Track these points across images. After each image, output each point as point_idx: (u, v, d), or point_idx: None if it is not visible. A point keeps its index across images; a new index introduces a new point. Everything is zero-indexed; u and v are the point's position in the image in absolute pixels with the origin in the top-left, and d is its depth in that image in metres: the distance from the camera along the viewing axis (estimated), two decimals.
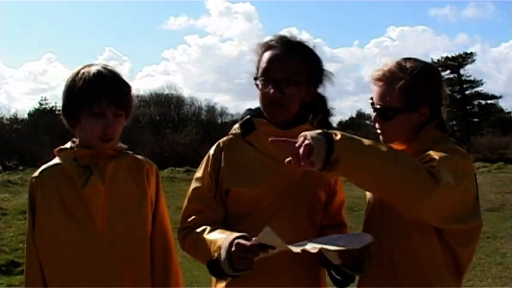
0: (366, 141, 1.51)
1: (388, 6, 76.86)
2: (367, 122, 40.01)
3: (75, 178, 1.76)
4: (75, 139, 1.86)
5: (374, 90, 1.79)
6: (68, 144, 1.86)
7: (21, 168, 20.75)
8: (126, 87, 1.81)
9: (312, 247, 1.52)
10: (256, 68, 1.84)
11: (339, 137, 1.45)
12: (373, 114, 1.80)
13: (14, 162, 22.06)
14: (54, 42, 68.18)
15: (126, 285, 1.74)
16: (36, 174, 1.81)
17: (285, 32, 1.86)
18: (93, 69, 1.76)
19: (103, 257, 1.72)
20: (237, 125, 1.88)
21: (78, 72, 1.77)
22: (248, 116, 1.87)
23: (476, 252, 6.94)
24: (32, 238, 1.77)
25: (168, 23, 77.83)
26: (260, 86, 1.79)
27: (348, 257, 1.61)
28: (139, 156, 1.90)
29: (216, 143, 1.88)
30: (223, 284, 1.80)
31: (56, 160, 1.84)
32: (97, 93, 1.72)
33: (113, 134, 1.76)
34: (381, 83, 1.76)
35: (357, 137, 1.52)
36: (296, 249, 1.52)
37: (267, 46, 1.82)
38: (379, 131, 1.81)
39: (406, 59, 1.79)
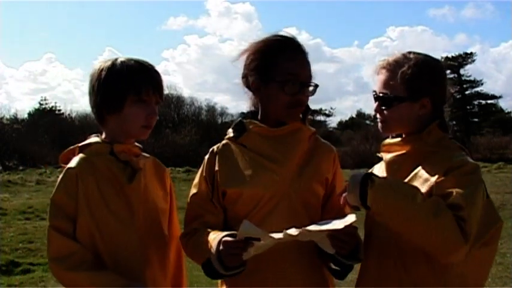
0: (401, 192, 1.56)
1: (388, 6, 76.97)
2: (367, 122, 40.02)
3: (117, 173, 1.76)
4: (98, 134, 1.85)
5: (377, 80, 1.80)
6: (95, 139, 1.82)
7: (21, 168, 20.80)
8: (161, 78, 1.86)
9: (292, 231, 1.56)
10: (260, 68, 1.82)
11: (372, 191, 1.54)
12: (375, 105, 1.80)
13: (14, 162, 22.11)
14: (54, 42, 68.40)
15: (156, 268, 1.82)
16: (72, 165, 1.74)
17: (281, 32, 1.86)
18: (132, 60, 1.79)
19: (137, 248, 1.77)
20: (230, 129, 1.92)
21: (113, 64, 1.77)
22: (239, 119, 1.91)
23: None
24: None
25: (167, 23, 77.99)
26: (285, 88, 1.78)
27: (339, 244, 1.63)
28: (156, 159, 1.98)
29: (210, 149, 1.92)
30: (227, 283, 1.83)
31: (82, 155, 1.77)
32: (145, 80, 1.76)
33: (154, 122, 1.81)
34: (384, 71, 1.78)
35: (394, 185, 1.58)
36: (278, 235, 1.55)
37: (281, 46, 1.82)
38: (379, 122, 1.82)
39: (411, 52, 1.80)
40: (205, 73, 65.47)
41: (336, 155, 1.93)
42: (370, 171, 1.90)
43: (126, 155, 1.80)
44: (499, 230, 1.69)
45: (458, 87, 38.17)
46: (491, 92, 39.62)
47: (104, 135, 1.83)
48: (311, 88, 1.83)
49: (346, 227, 1.56)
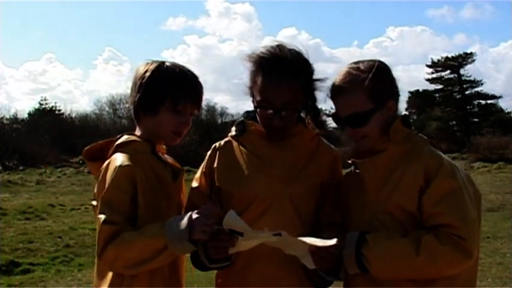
0: (396, 253, 1.61)
1: (388, 6, 76.98)
2: None
3: (160, 172, 1.77)
4: (132, 132, 1.83)
5: (337, 104, 1.78)
6: (133, 137, 1.80)
7: (21, 168, 20.77)
8: (203, 90, 1.87)
9: (269, 235, 1.59)
10: (251, 82, 1.82)
11: (371, 268, 1.62)
12: (347, 129, 1.77)
13: (14, 162, 22.06)
14: (54, 42, 68.46)
15: None
16: (124, 162, 1.68)
17: (277, 42, 1.80)
18: (178, 67, 1.80)
19: None
20: (233, 127, 1.93)
21: (158, 68, 1.77)
22: (242, 118, 1.92)
23: None
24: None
25: (166, 23, 78.04)
26: (259, 110, 1.79)
27: (319, 260, 1.65)
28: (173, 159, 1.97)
29: (213, 145, 1.94)
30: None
31: (125, 153, 1.73)
32: (185, 93, 1.77)
33: (185, 130, 1.83)
34: (343, 94, 1.74)
35: (387, 248, 1.62)
36: (260, 234, 1.59)
37: (261, 65, 1.77)
38: (359, 140, 1.78)
39: (356, 62, 1.80)
40: (205, 73, 65.35)
41: (336, 157, 1.92)
42: (346, 172, 1.90)
43: (163, 155, 1.83)
44: (480, 201, 1.74)
45: (458, 87, 38.20)
46: (491, 92, 39.61)
47: (139, 133, 1.83)
48: (290, 113, 1.76)
49: (326, 247, 1.60)
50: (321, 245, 1.60)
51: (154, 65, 1.79)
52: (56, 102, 34.82)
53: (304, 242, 1.62)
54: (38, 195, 12.68)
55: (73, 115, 34.80)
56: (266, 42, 1.83)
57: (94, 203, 1.76)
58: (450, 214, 1.60)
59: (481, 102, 39.30)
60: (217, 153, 1.90)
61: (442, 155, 1.72)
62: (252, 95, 1.83)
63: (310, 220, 1.84)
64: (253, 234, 1.59)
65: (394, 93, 1.80)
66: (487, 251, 6.58)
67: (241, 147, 1.87)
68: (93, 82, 67.11)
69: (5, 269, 6.15)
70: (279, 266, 1.76)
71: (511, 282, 5.34)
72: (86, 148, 1.84)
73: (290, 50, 1.79)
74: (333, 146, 1.95)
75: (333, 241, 1.60)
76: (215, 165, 1.87)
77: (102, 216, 1.63)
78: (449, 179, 1.64)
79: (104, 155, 1.81)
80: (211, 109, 36.75)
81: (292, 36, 67.01)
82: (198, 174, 1.93)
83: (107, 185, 1.66)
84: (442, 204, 1.62)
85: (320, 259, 1.65)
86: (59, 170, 20.25)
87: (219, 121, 36.12)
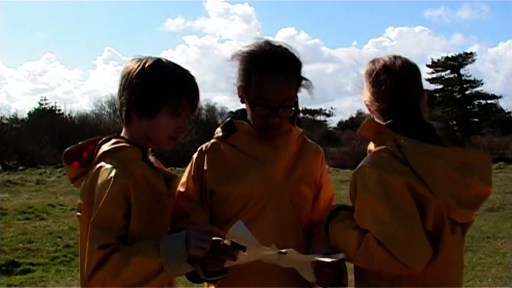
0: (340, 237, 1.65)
1: (387, 6, 76.97)
2: None
3: (153, 181, 1.62)
4: (116, 135, 1.69)
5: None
6: (121, 142, 1.63)
7: (21, 168, 20.76)
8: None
9: (274, 252, 1.53)
10: (243, 80, 1.77)
11: None
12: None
13: (14, 162, 22.04)
14: (54, 42, 68.41)
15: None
16: (120, 175, 1.52)
17: (261, 39, 1.78)
18: (176, 65, 1.67)
19: None
20: (219, 128, 1.89)
21: (156, 64, 1.63)
22: (229, 119, 1.88)
23: (476, 252, 6.84)
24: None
25: (165, 24, 78.02)
26: (255, 110, 1.75)
27: (321, 274, 1.65)
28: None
29: (199, 148, 1.89)
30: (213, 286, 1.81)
31: (115, 161, 1.57)
32: (187, 93, 1.65)
33: (182, 135, 1.71)
34: None
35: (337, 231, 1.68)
36: (266, 249, 1.52)
37: (255, 63, 1.73)
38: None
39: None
40: (204, 73, 65.39)
41: (323, 155, 1.94)
42: None
43: (154, 161, 1.70)
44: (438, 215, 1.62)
45: (458, 87, 38.17)
46: (490, 92, 39.57)
47: (126, 136, 1.68)
48: (286, 111, 1.75)
49: (329, 262, 1.58)
50: (328, 261, 1.57)
51: (150, 61, 1.63)
52: (55, 102, 34.99)
53: (309, 259, 1.60)
54: (38, 195, 12.68)
55: (73, 115, 34.83)
56: (250, 41, 1.79)
57: (79, 214, 1.59)
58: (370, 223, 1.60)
59: (481, 102, 39.22)
60: (206, 155, 1.84)
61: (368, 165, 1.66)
62: (243, 94, 1.79)
63: (306, 218, 1.85)
64: (258, 250, 1.51)
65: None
66: (487, 251, 6.58)
67: (230, 148, 1.83)
68: (93, 82, 67.21)
69: (5, 269, 6.15)
70: (278, 277, 1.72)
71: (511, 282, 5.34)
72: (66, 149, 1.67)
73: (279, 46, 1.77)
74: (319, 146, 1.96)
75: (340, 255, 1.60)
76: (205, 167, 1.82)
77: (95, 241, 1.47)
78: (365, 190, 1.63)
79: (80, 155, 1.67)
80: (211, 109, 36.83)
81: (291, 37, 67.07)
82: (184, 179, 1.85)
83: (102, 201, 1.49)
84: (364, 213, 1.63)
85: (323, 273, 1.64)
86: (59, 170, 20.22)
87: (219, 121, 35.96)
